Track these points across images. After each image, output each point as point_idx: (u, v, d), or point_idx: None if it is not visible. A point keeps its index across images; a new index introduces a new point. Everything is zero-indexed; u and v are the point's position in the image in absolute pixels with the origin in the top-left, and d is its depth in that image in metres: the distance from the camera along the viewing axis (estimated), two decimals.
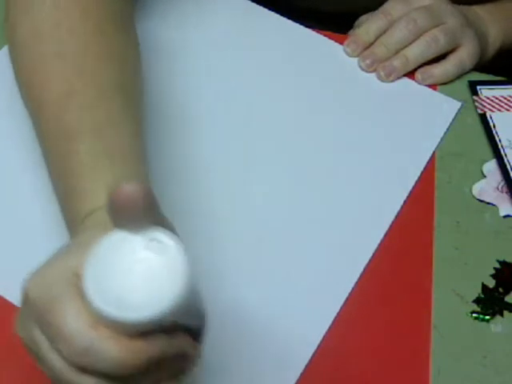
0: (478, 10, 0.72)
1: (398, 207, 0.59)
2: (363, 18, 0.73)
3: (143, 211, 0.36)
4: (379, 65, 0.68)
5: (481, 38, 0.69)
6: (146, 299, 0.35)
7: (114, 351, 0.35)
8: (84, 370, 0.36)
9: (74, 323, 0.36)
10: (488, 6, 0.72)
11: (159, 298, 0.35)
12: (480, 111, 0.67)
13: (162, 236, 0.36)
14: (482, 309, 0.55)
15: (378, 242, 0.57)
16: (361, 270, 0.56)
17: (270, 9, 0.72)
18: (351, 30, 0.73)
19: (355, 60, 0.69)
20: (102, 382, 0.37)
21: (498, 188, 0.62)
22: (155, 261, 0.36)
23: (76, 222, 0.44)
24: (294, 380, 0.50)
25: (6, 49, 0.58)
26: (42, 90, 0.50)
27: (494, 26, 0.71)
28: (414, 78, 0.69)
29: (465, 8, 0.70)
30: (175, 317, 0.36)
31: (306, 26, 0.71)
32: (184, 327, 0.39)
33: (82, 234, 0.41)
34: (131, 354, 0.36)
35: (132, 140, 0.49)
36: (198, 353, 0.41)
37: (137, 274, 0.36)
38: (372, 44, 0.69)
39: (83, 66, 0.50)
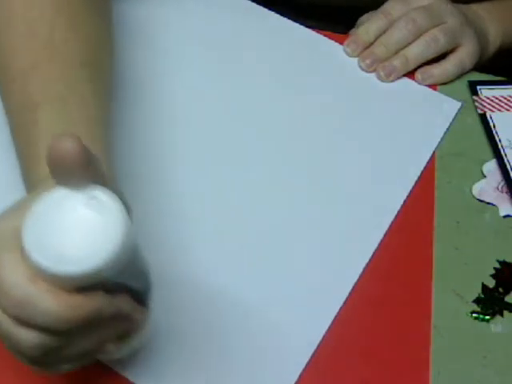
0: (478, 9, 0.72)
1: (397, 207, 0.59)
2: (364, 18, 0.73)
3: (81, 167, 0.37)
4: (379, 65, 0.68)
5: (480, 37, 0.69)
6: (83, 254, 0.36)
7: (52, 305, 0.36)
8: (23, 323, 0.37)
9: (12, 275, 0.36)
10: (487, 5, 0.72)
11: (96, 253, 0.36)
12: (480, 111, 0.67)
13: (101, 195, 0.37)
14: (482, 309, 0.55)
15: (378, 241, 0.57)
16: (361, 269, 0.56)
17: (269, 7, 0.72)
18: (352, 30, 0.74)
19: (355, 60, 0.69)
20: (42, 337, 0.37)
21: (498, 188, 0.62)
22: (94, 218, 0.37)
23: (34, 188, 0.45)
24: (294, 380, 0.50)
25: None
26: (7, 61, 0.51)
27: (493, 24, 0.72)
28: (413, 78, 0.69)
29: (464, 7, 0.70)
30: (113, 273, 0.37)
31: (307, 26, 0.71)
32: (126, 288, 0.40)
33: (30, 194, 0.42)
34: (69, 309, 0.36)
35: (95, 112, 0.50)
36: (142, 316, 0.42)
37: (75, 231, 0.37)
38: (372, 44, 0.69)
39: (50, 40, 0.51)
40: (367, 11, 0.72)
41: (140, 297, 0.42)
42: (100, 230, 0.37)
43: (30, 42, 0.51)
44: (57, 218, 0.37)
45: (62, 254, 0.36)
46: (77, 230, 0.37)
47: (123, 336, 0.42)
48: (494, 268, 0.57)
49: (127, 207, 0.40)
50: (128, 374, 0.49)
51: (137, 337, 0.43)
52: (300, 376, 0.50)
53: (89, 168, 0.37)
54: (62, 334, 0.37)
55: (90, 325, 0.38)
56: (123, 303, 0.40)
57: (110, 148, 0.49)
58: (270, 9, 0.72)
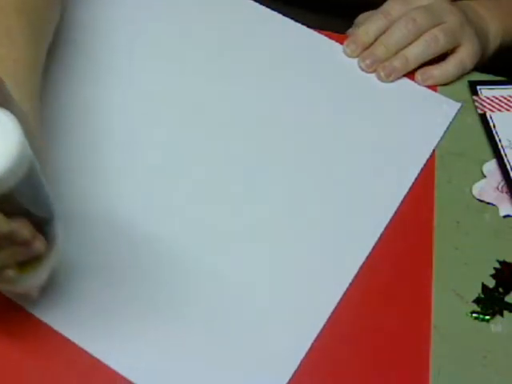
0: (477, 7, 0.71)
1: (395, 207, 0.59)
2: (361, 17, 0.73)
3: None
4: (379, 65, 0.68)
5: (481, 36, 0.69)
6: None
7: None
8: None
9: None
10: (486, 3, 0.72)
11: None
12: (480, 111, 0.67)
13: (2, 116, 0.38)
14: (482, 309, 0.55)
15: (377, 241, 0.57)
16: (358, 269, 0.56)
17: (271, 3, 0.72)
18: (350, 29, 0.74)
19: (355, 60, 0.69)
20: None
21: (498, 188, 0.62)
22: None
23: None
24: (287, 379, 0.50)
25: None
26: None
27: (493, 22, 0.71)
28: (414, 79, 0.69)
29: (464, 5, 0.70)
30: (7, 189, 0.38)
31: (308, 24, 0.71)
32: (26, 213, 0.41)
33: None
34: None
35: (25, 56, 0.51)
36: (43, 245, 0.43)
37: None
38: (372, 44, 0.69)
39: None
40: (370, 8, 0.72)
41: (42, 226, 0.43)
42: None
43: None
44: None
45: None
46: None
47: (24, 264, 0.43)
48: (494, 268, 0.57)
49: (40, 146, 0.41)
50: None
51: (40, 268, 0.45)
52: (294, 374, 0.50)
53: None
54: None
55: None
56: (22, 227, 0.41)
57: (36, 91, 0.50)
58: (271, 4, 0.72)
